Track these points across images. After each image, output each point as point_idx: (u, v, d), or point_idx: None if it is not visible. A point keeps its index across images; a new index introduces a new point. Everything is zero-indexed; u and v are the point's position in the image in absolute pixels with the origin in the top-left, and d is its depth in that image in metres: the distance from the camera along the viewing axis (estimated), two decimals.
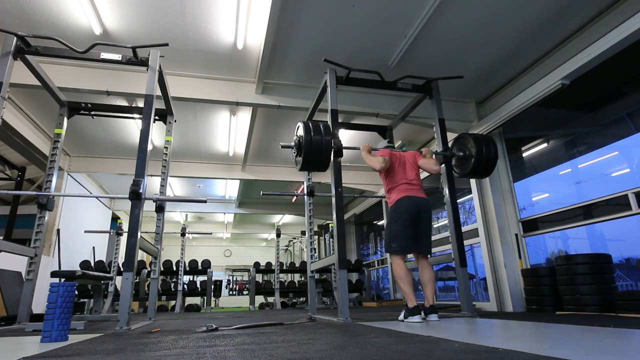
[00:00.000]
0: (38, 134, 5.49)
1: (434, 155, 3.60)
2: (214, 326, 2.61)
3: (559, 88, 3.93)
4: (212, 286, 8.04)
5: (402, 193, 3.23)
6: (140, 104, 4.71)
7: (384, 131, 4.96)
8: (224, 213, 11.54)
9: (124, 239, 6.67)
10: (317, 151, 3.25)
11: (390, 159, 3.34)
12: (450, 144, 3.93)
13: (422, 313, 3.11)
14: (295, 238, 14.57)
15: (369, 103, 4.90)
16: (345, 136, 6.05)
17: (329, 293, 7.60)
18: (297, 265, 9.29)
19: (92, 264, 7.34)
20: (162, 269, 7.65)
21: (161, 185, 4.34)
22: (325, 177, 7.37)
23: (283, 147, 3.48)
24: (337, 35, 3.88)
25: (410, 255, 3.34)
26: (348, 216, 9.90)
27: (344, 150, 3.52)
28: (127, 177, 6.67)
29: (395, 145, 4.56)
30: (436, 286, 3.23)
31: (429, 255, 3.28)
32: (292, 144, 3.44)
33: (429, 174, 5.06)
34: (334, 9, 3.51)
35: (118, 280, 6.36)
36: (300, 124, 3.36)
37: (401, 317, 3.06)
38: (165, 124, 4.52)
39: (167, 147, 4.46)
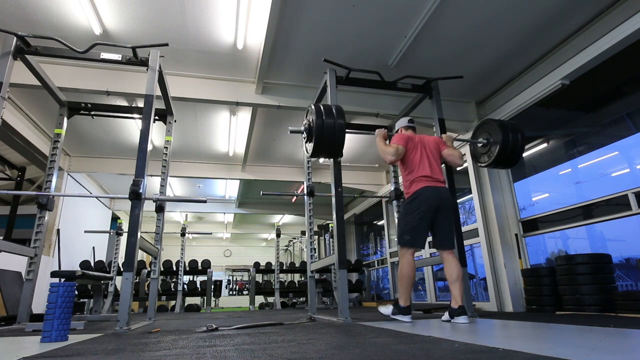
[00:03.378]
0: (38, 134, 5.49)
1: (454, 143, 3.39)
2: (214, 326, 2.61)
3: (559, 88, 3.93)
4: (212, 286, 8.04)
5: (422, 184, 2.99)
6: (140, 104, 4.71)
7: None
8: (224, 213, 11.54)
9: (124, 239, 6.67)
10: (330, 135, 3.00)
11: (407, 146, 3.10)
12: (472, 131, 3.79)
13: (447, 314, 2.86)
14: (295, 238, 14.56)
15: (369, 103, 4.90)
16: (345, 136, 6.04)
17: (329, 293, 7.60)
18: (297, 265, 9.29)
19: (92, 264, 7.34)
20: (162, 269, 7.65)
21: (161, 185, 4.33)
22: (325, 177, 7.37)
23: (292, 132, 3.27)
24: (337, 35, 3.88)
25: (433, 250, 3.13)
26: (348, 216, 9.90)
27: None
28: (127, 177, 6.66)
29: None
30: (463, 284, 2.90)
31: (453, 250, 3.03)
32: (302, 128, 3.24)
33: None
34: (334, 9, 3.51)
35: (118, 280, 6.35)
36: (312, 106, 3.12)
37: (387, 311, 2.91)
38: (165, 124, 4.51)
39: (167, 147, 4.45)
